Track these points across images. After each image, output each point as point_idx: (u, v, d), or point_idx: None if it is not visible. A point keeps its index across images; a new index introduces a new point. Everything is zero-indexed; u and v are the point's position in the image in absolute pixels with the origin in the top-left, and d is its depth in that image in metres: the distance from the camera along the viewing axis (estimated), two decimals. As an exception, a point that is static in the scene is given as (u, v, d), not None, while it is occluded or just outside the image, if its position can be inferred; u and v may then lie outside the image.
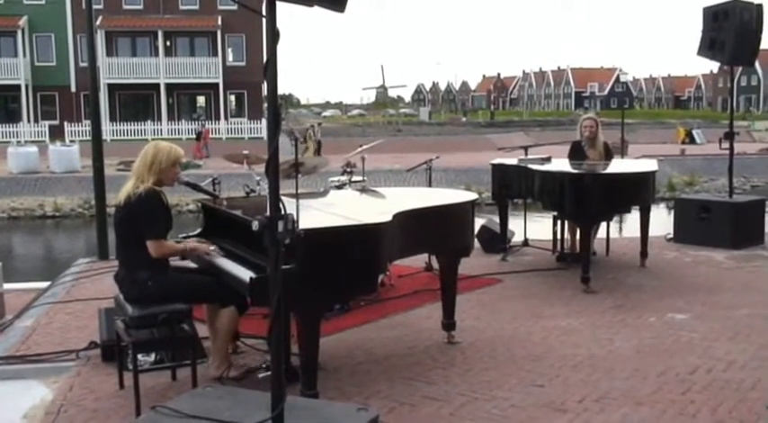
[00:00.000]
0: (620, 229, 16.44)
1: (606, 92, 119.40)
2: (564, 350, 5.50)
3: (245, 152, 7.32)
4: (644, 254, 8.11)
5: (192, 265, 5.16)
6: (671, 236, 9.52)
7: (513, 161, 8.29)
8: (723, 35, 8.76)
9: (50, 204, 24.25)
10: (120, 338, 4.79)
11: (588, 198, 6.98)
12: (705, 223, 9.09)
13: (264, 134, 40.26)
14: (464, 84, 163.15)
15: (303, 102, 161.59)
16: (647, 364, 5.17)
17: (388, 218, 4.54)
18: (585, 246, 7.10)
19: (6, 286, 7.75)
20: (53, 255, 19.93)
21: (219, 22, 41.14)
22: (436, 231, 5.17)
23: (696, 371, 5.02)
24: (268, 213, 2.86)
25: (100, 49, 39.20)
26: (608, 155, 8.47)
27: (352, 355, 5.48)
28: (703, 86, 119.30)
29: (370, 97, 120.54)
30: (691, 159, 31.77)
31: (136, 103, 42.39)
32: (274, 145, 2.83)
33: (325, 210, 5.13)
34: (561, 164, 8.07)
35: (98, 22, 38.40)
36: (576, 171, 7.53)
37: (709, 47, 8.94)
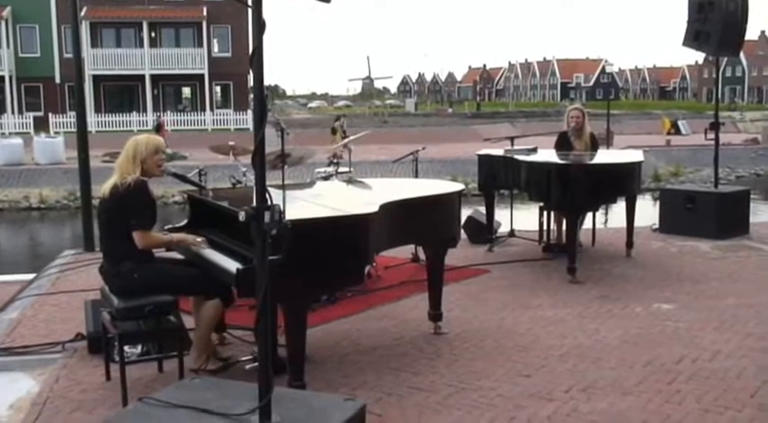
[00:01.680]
0: (606, 219, 16.51)
1: (591, 83, 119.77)
2: (550, 340, 5.51)
3: (231, 143, 7.31)
4: (630, 244, 8.14)
5: (178, 256, 5.13)
6: (656, 226, 9.56)
7: (499, 152, 8.30)
8: (708, 26, 8.77)
9: (36, 196, 24.08)
10: (106, 330, 4.77)
11: (574, 188, 6.99)
12: (690, 214, 9.13)
13: (250, 125, 40.16)
14: (450, 75, 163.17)
15: (289, 93, 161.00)
16: (633, 353, 5.20)
17: (374, 209, 4.53)
18: (572, 236, 7.12)
19: (-9, 278, 7.70)
20: (38, 247, 19.80)
21: (205, 13, 40.89)
22: (423, 222, 5.16)
23: (682, 360, 5.04)
24: (254, 204, 2.85)
25: (84, 41, 38.90)
26: (594, 146, 8.48)
27: (339, 346, 5.48)
28: (688, 77, 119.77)
29: (356, 88, 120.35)
30: (676, 150, 31.92)
31: (121, 94, 42.09)
32: (261, 136, 2.81)
33: (312, 201, 5.12)
34: (547, 154, 8.08)
35: (83, 13, 38.08)
36: (562, 161, 7.54)
37: (694, 37, 8.96)
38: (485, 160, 8.45)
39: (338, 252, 4.31)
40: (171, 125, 38.26)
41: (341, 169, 7.32)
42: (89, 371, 5.04)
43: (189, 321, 5.15)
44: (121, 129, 36.38)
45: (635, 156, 7.82)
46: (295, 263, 3.99)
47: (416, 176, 8.12)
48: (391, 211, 4.73)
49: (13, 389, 4.90)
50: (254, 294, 4.68)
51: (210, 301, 4.68)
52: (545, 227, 8.60)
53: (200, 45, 41.29)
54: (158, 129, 31.69)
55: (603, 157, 8.09)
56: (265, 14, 2.80)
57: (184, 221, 5.42)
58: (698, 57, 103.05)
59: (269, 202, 2.85)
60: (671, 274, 7.41)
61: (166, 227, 5.31)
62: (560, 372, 4.90)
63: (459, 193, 5.50)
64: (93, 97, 39.33)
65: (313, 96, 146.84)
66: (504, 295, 6.75)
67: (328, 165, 7.41)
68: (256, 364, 4.90)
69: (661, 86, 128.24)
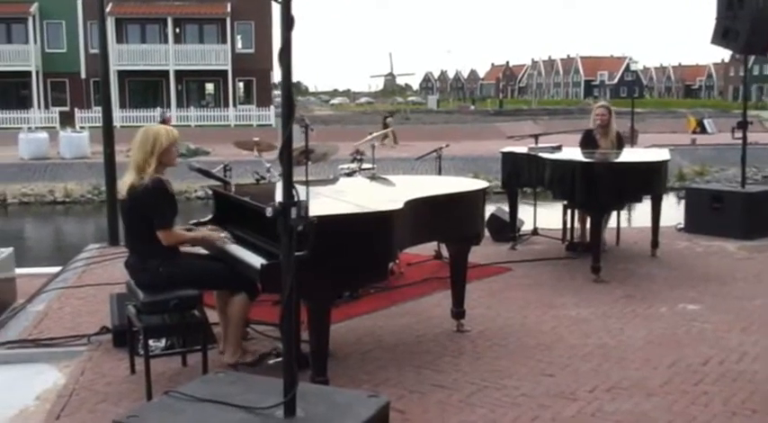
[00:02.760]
0: (629, 218, 16.38)
1: (616, 81, 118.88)
2: (574, 340, 5.48)
3: (256, 139, 7.33)
4: (655, 244, 8.06)
5: (202, 251, 5.15)
6: (682, 226, 9.46)
7: (523, 149, 8.26)
8: (737, 24, 8.67)
9: (61, 190, 24.35)
10: (131, 324, 4.81)
11: (599, 187, 6.93)
12: (717, 213, 9.03)
13: (273, 121, 40.31)
14: (472, 72, 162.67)
15: (311, 89, 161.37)
16: (658, 354, 5.15)
17: (399, 205, 4.52)
18: (596, 235, 7.05)
19: (18, 271, 7.77)
20: (63, 240, 20.01)
21: (228, 9, 41.06)
22: (447, 219, 5.14)
23: (708, 362, 4.99)
24: (281, 200, 2.85)
25: (110, 36, 39.20)
26: (620, 144, 8.40)
27: (361, 342, 5.49)
28: (714, 75, 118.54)
29: (378, 85, 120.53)
30: (702, 149, 31.55)
31: (145, 89, 42.40)
32: (288, 132, 2.82)
33: (336, 197, 5.11)
34: (572, 152, 8.02)
35: (108, 9, 38.36)
36: (587, 160, 7.48)
37: (722, 35, 8.86)
38: (509, 158, 8.40)
39: (362, 248, 4.30)
40: (194, 121, 38.64)
41: (364, 166, 7.32)
42: (114, 364, 5.08)
43: (212, 316, 5.18)
44: (146, 124, 36.51)
45: (661, 154, 7.73)
46: (319, 259, 4.00)
47: (440, 174, 8.08)
48: (415, 208, 4.72)
49: (40, 380, 4.96)
50: (279, 290, 4.70)
51: (236, 296, 4.68)
52: (568, 225, 8.55)
53: (224, 41, 41.46)
54: (164, 123, 31.81)
55: (629, 155, 7.99)
56: (292, 10, 2.80)
57: (209, 216, 5.44)
58: (724, 55, 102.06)
59: (295, 198, 2.85)
60: (697, 275, 7.33)
61: (191, 222, 5.33)
62: (584, 371, 4.87)
63: (484, 191, 5.48)
64: (117, 93, 39.55)
65: (335, 93, 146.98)
66: (526, 294, 6.72)
67: (352, 161, 7.39)
68: (279, 359, 4.94)
69: (686, 84, 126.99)
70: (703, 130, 41.75)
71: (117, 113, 36.75)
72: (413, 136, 32.57)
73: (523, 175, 8.04)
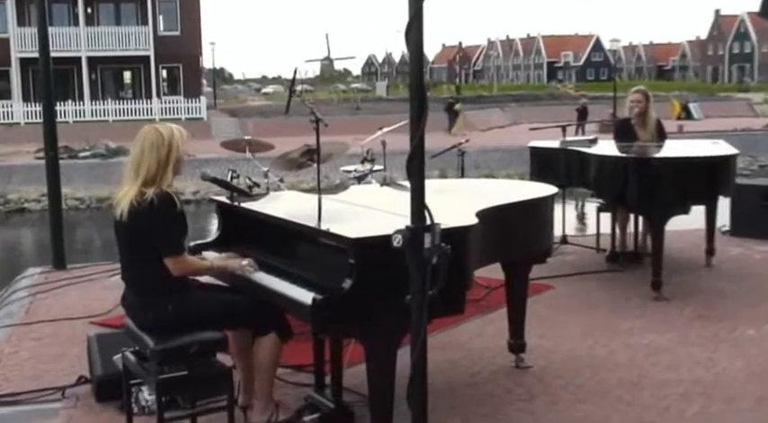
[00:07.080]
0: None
1: (582, 62, 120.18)
2: (661, 374, 5.15)
3: (247, 138, 6.89)
4: (710, 251, 7.79)
5: (211, 279, 4.65)
6: (726, 228, 9.22)
7: (554, 143, 7.93)
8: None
9: (-41, 199, 23.41)
10: (129, 375, 4.31)
11: (662, 187, 6.58)
12: (768, 213, 8.82)
13: (204, 114, 39.53)
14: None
15: (238, 77, 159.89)
16: (768, 389, 4.86)
17: (473, 219, 4.11)
18: (658, 243, 6.69)
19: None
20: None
21: (149, -15, 40.13)
22: (517, 234, 4.77)
23: (834, 398, 4.71)
24: (411, 223, 2.42)
25: (10, 18, 37.97)
26: (661, 134, 8.09)
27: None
28: (689, 55, 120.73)
29: (314, 71, 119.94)
30: (691, 137, 31.82)
31: (54, 80, 41.04)
32: (418, 137, 2.39)
33: (386, 210, 4.57)
34: (610, 146, 7.69)
35: (6, -14, 37.24)
36: (649, 156, 7.12)
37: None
38: (538, 153, 8.05)
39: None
40: (112, 115, 37.70)
41: (374, 167, 6.92)
42: (104, 426, 4.59)
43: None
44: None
45: (725, 148, 7.41)
46: (390, 289, 3.55)
47: (462, 174, 7.72)
48: (486, 222, 4.31)
49: (9, 450, 4.44)
50: (337, 332, 4.26)
51: (265, 337, 4.21)
52: (608, 232, 8.25)
53: (144, 23, 40.40)
54: None
55: (692, 149, 7.59)
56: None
57: (216, 235, 4.97)
58: (699, 32, 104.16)
59: (428, 222, 2.43)
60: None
61: (192, 244, 4.82)
62: (691, 416, 4.54)
63: (554, 198, 5.11)
64: (20, 84, 38.26)
65: (265, 80, 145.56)
66: (581, 317, 6.37)
67: (361, 162, 6.96)
68: (315, 415, 4.48)
69: (659, 65, 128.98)
70: (689, 116, 42.29)
71: (20, 108, 35.76)
72: (367, 128, 32.06)
73: (559, 174, 7.62)
